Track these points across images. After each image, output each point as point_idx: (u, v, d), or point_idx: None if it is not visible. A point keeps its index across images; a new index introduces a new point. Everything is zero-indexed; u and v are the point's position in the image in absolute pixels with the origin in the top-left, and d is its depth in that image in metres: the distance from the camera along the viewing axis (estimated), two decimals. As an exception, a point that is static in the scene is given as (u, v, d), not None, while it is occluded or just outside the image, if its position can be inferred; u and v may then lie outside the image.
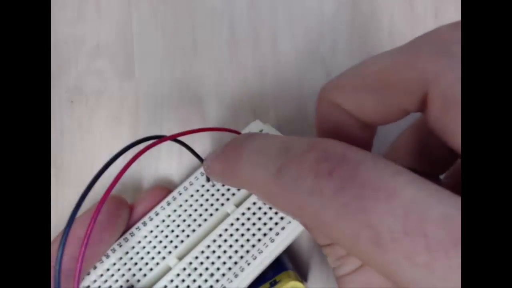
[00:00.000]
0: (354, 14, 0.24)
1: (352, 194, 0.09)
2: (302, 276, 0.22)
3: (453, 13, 0.24)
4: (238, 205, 0.18)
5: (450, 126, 0.09)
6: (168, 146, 0.22)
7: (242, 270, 0.16)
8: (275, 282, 0.19)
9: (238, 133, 0.18)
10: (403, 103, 0.11)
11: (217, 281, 0.17)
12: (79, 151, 0.23)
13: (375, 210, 0.08)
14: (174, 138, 0.15)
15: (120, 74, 0.24)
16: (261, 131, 0.19)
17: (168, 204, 0.18)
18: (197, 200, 0.18)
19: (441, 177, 0.16)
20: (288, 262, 0.20)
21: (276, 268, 0.20)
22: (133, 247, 0.18)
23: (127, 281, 0.17)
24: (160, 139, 0.14)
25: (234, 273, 0.16)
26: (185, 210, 0.18)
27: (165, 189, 0.19)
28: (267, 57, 0.24)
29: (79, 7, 0.24)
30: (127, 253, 0.18)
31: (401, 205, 0.08)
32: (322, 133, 0.14)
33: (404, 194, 0.08)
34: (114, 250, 0.18)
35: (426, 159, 0.15)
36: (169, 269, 0.17)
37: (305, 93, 0.24)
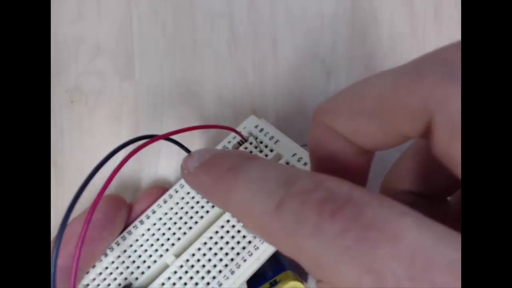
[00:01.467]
0: (354, 14, 0.24)
1: (355, 236, 0.08)
2: (302, 276, 0.22)
3: (453, 13, 0.24)
4: None
5: (457, 156, 0.09)
6: (167, 145, 0.22)
7: (239, 266, 0.17)
8: (275, 282, 0.19)
9: (233, 130, 0.18)
10: (404, 129, 0.10)
11: (214, 278, 0.17)
12: (79, 151, 0.23)
13: (379, 254, 0.08)
14: (166, 137, 0.15)
15: (120, 74, 0.24)
16: (256, 126, 0.19)
17: (165, 202, 0.18)
18: (193, 198, 0.18)
19: (450, 199, 0.15)
20: (288, 262, 0.20)
21: (276, 268, 0.20)
22: (131, 245, 0.18)
23: (125, 279, 0.17)
24: (152, 138, 0.14)
25: (231, 269, 0.17)
26: (182, 208, 0.18)
27: (162, 188, 0.19)
28: (267, 57, 0.24)
29: (79, 7, 0.24)
30: (125, 251, 0.18)
31: (406, 249, 0.08)
32: (316, 159, 0.13)
33: (410, 237, 0.08)
34: (112, 249, 0.18)
35: (432, 182, 0.14)
36: (166, 266, 0.17)
37: (305, 93, 0.24)
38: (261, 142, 0.19)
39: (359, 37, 0.24)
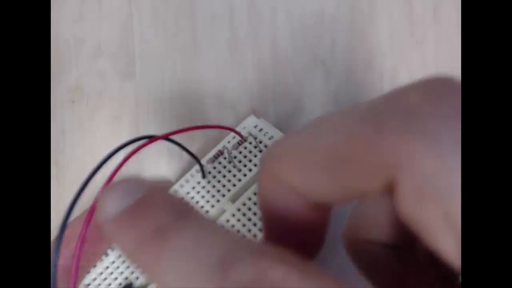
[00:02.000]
0: (354, 14, 0.24)
1: None
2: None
3: (452, 13, 0.24)
4: (233, 201, 0.18)
5: (426, 222, 0.08)
6: (168, 145, 0.23)
7: None
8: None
9: (232, 130, 0.18)
10: (362, 186, 0.09)
11: None
12: (80, 151, 0.23)
13: None
14: (166, 137, 0.15)
15: (121, 74, 0.24)
16: (256, 126, 0.19)
17: None
18: (193, 198, 0.18)
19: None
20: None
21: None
22: None
23: (126, 278, 0.17)
24: (151, 138, 0.14)
25: None
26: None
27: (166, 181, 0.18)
28: (267, 57, 0.24)
29: (79, 7, 0.24)
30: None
31: None
32: (267, 215, 0.11)
33: None
34: (113, 248, 0.18)
35: (398, 233, 0.12)
36: None
37: (305, 93, 0.24)
38: (260, 142, 0.19)
39: (359, 37, 0.24)
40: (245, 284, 0.08)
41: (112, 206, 0.10)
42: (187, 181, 0.19)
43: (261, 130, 0.19)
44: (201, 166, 0.18)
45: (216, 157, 0.19)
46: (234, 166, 0.18)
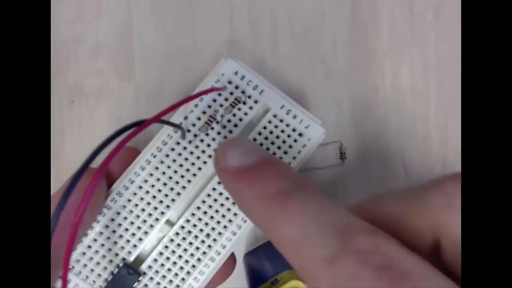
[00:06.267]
0: (354, 14, 0.24)
1: None
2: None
3: (453, 13, 0.24)
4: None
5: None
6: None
7: (240, 227, 0.16)
8: (276, 281, 0.19)
9: (217, 89, 0.16)
10: (416, 244, 0.11)
11: (215, 240, 0.16)
12: (79, 151, 0.23)
13: None
14: (158, 119, 0.14)
15: (120, 74, 0.24)
16: (237, 73, 0.17)
17: (143, 168, 0.16)
18: (174, 161, 0.16)
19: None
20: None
21: (277, 267, 0.20)
22: (113, 220, 0.16)
23: (116, 254, 0.16)
24: (142, 124, 0.13)
25: (232, 231, 0.16)
26: (164, 173, 0.16)
27: (133, 149, 0.17)
28: (267, 57, 0.24)
29: (79, 7, 0.24)
30: (108, 227, 0.16)
31: None
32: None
33: None
34: (97, 222, 0.16)
35: None
36: (161, 237, 0.16)
37: (305, 93, 0.24)
38: (242, 92, 0.17)
39: (359, 37, 0.24)
40: (362, 251, 0.09)
41: (233, 159, 0.12)
42: (165, 143, 0.17)
43: (243, 78, 0.17)
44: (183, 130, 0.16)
45: (208, 123, 0.17)
46: (224, 127, 0.17)
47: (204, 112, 0.17)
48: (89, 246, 0.16)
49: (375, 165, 0.24)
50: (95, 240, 0.16)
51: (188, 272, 0.16)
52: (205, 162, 0.16)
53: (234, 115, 0.17)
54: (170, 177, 0.16)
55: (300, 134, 0.17)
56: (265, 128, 0.17)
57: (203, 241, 0.16)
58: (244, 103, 0.17)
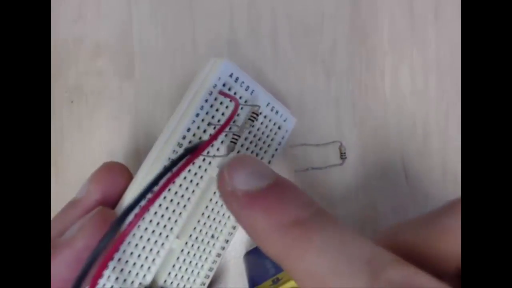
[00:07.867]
0: (354, 14, 0.24)
1: None
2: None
3: (453, 13, 0.24)
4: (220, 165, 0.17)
5: None
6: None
7: (234, 227, 0.18)
8: (278, 280, 0.19)
9: (236, 103, 0.16)
10: (439, 268, 0.11)
11: (227, 241, 0.18)
12: (79, 151, 0.23)
13: None
14: (210, 143, 0.15)
15: (120, 74, 0.24)
16: (231, 75, 0.17)
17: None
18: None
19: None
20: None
21: (279, 265, 0.20)
22: (129, 243, 0.16)
23: (132, 283, 0.16)
24: (198, 148, 0.14)
25: (229, 232, 0.18)
26: (169, 190, 0.16)
27: (121, 166, 0.16)
28: (267, 57, 0.24)
29: (79, 7, 0.24)
30: (124, 252, 0.16)
31: None
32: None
33: None
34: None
35: None
36: (172, 251, 0.17)
37: (305, 93, 0.24)
38: (234, 94, 0.17)
39: (359, 37, 0.24)
40: (397, 284, 0.09)
41: (241, 181, 0.10)
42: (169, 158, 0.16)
43: (237, 79, 0.17)
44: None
45: (234, 142, 0.17)
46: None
47: (202, 120, 0.17)
48: (104, 285, 0.16)
49: (375, 165, 0.24)
50: (109, 277, 0.16)
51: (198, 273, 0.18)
52: (206, 170, 0.17)
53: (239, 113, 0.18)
54: (176, 192, 0.17)
55: (279, 127, 0.19)
56: (253, 126, 0.18)
57: (214, 244, 0.18)
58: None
